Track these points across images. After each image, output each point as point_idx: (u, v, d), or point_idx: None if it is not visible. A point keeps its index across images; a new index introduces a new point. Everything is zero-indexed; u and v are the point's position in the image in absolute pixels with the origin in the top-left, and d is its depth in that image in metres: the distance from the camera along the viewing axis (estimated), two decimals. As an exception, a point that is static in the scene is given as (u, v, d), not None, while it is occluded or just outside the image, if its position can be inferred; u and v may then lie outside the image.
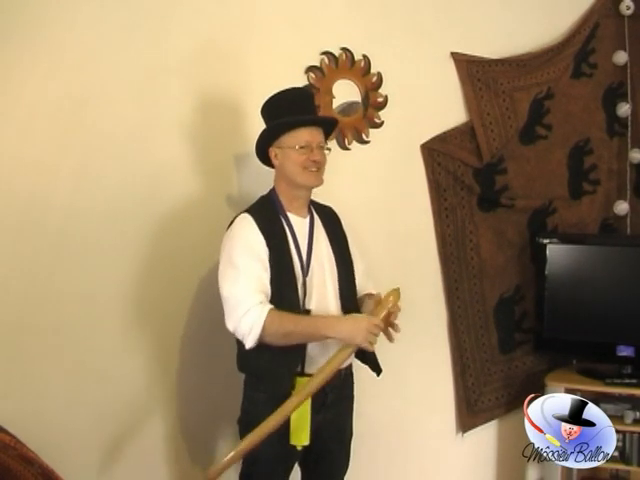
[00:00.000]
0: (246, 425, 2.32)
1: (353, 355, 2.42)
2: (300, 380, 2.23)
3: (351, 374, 2.48)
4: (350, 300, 2.41)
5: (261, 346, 2.21)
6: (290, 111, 2.30)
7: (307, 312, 2.28)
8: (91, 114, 2.43)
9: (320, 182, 2.36)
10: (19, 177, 2.31)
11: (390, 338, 2.32)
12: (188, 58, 2.59)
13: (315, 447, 2.36)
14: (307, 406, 2.21)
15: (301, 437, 2.22)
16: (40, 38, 2.32)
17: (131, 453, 2.53)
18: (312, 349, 2.28)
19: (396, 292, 2.27)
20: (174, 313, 2.61)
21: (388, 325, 2.27)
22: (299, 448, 2.24)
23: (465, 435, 3.27)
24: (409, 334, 3.05)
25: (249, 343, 2.19)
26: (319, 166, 2.32)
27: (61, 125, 2.38)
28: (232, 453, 2.19)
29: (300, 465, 2.47)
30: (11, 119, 2.31)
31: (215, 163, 2.69)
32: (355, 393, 2.51)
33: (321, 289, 2.33)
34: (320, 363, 2.24)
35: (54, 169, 2.37)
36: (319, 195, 2.49)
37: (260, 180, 2.48)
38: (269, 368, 2.26)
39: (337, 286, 2.37)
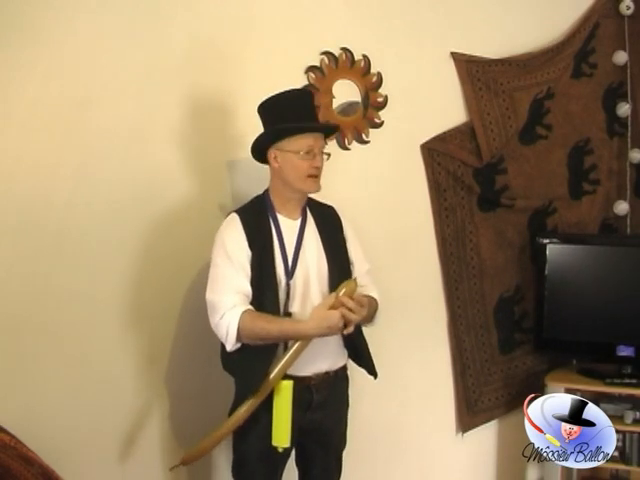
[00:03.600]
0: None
1: (347, 357, 2.42)
2: (279, 382, 2.22)
3: (345, 377, 2.47)
4: None
5: (244, 349, 2.25)
6: (293, 115, 2.30)
7: (288, 315, 2.28)
8: (90, 114, 2.43)
9: (319, 188, 2.37)
10: (19, 177, 2.32)
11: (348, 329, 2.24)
12: (187, 59, 2.59)
13: (302, 449, 2.38)
14: (289, 409, 2.22)
15: (282, 439, 2.22)
16: (40, 38, 2.32)
17: (130, 452, 2.54)
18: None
19: (350, 283, 2.24)
20: (170, 312, 2.62)
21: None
22: (280, 450, 2.24)
23: (465, 435, 3.27)
24: (409, 334, 3.08)
25: (228, 346, 2.24)
26: (319, 172, 2.33)
27: (61, 125, 2.38)
28: (206, 440, 2.30)
29: (296, 465, 2.48)
30: (11, 119, 2.31)
31: (214, 163, 2.69)
32: (350, 398, 2.50)
33: (305, 293, 2.33)
34: (298, 364, 2.25)
35: (54, 169, 2.38)
36: (319, 195, 2.49)
37: (257, 181, 2.48)
38: (241, 368, 2.29)
39: (326, 289, 2.35)
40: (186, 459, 2.35)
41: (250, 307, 2.23)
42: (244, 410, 2.23)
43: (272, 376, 2.21)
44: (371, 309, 2.33)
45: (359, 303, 2.21)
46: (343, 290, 2.20)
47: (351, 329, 2.23)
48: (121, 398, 2.51)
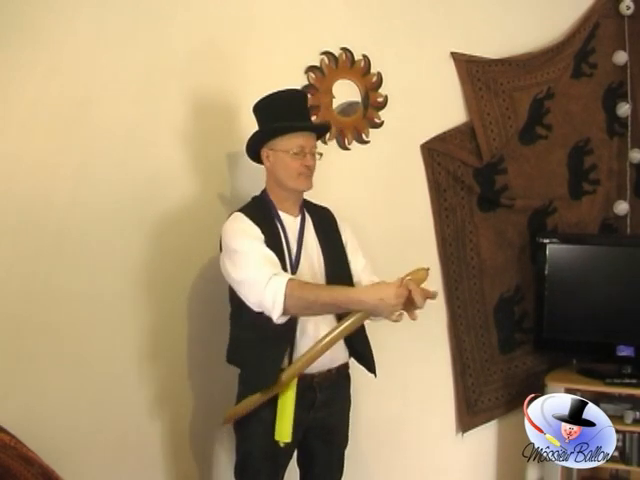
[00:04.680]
0: (240, 418, 2.34)
1: (348, 355, 2.42)
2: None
3: (347, 376, 2.47)
4: None
5: (248, 339, 2.26)
6: (286, 114, 2.31)
7: None
8: (91, 114, 2.43)
9: (311, 186, 2.37)
10: (19, 177, 2.32)
11: (412, 315, 2.14)
12: (188, 58, 2.60)
13: (305, 447, 2.38)
14: (291, 403, 2.22)
15: (284, 434, 2.22)
16: (40, 38, 2.32)
17: (130, 452, 2.54)
18: (302, 344, 2.26)
19: (420, 271, 2.14)
20: (171, 311, 2.62)
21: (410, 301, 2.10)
22: (282, 445, 2.24)
23: (465, 435, 3.27)
24: (409, 334, 3.07)
25: (275, 316, 2.14)
26: (310, 172, 2.33)
27: (61, 125, 2.38)
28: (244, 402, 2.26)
29: (298, 465, 2.48)
30: (11, 119, 2.31)
31: (214, 163, 2.70)
32: (352, 396, 2.50)
33: None
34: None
35: (54, 169, 2.37)
36: (319, 195, 2.50)
37: (259, 181, 2.48)
38: (253, 362, 2.28)
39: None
40: (227, 418, 2.36)
41: (290, 275, 2.19)
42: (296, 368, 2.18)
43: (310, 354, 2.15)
44: None
45: (425, 294, 2.10)
46: (410, 277, 2.12)
47: (415, 316, 2.12)
48: (121, 398, 2.51)
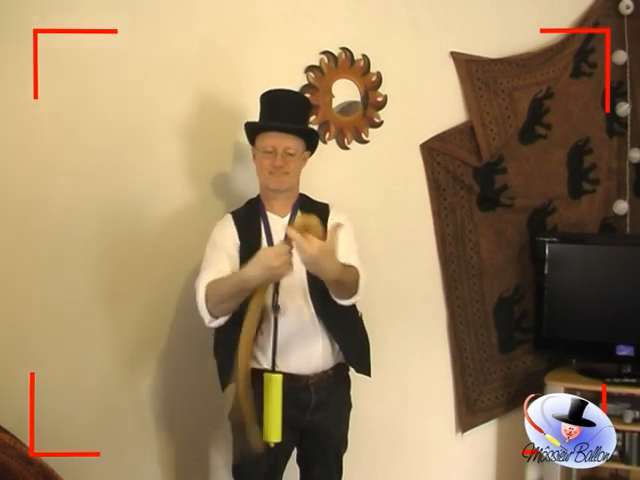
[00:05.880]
0: (236, 420, 2.34)
1: (343, 357, 2.40)
2: (269, 376, 2.24)
3: (345, 378, 2.47)
4: (321, 296, 2.31)
5: (217, 338, 2.32)
6: (267, 114, 2.35)
7: (277, 308, 2.29)
8: (91, 114, 2.43)
9: (281, 185, 2.36)
10: (19, 177, 2.32)
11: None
12: (188, 58, 2.60)
13: (302, 449, 2.40)
14: (279, 403, 2.22)
15: (273, 434, 2.22)
16: (41, 38, 2.32)
17: (128, 452, 2.54)
18: (263, 344, 2.30)
19: (303, 217, 2.16)
20: (169, 311, 2.63)
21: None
22: (271, 445, 2.23)
23: (465, 435, 3.27)
24: (409, 333, 3.08)
25: (205, 320, 2.22)
26: (282, 171, 2.33)
27: (61, 125, 2.38)
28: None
29: (297, 463, 2.48)
30: (11, 119, 2.31)
31: (213, 163, 2.70)
32: (353, 399, 2.50)
33: (291, 287, 2.32)
34: (290, 357, 2.27)
35: (54, 170, 2.38)
36: (319, 195, 2.49)
37: (256, 181, 2.48)
38: (219, 362, 2.35)
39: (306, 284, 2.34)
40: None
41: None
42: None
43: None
44: (346, 273, 2.20)
45: (312, 241, 1.99)
46: (297, 223, 2.10)
47: (291, 271, 2.07)
48: (121, 398, 2.51)
